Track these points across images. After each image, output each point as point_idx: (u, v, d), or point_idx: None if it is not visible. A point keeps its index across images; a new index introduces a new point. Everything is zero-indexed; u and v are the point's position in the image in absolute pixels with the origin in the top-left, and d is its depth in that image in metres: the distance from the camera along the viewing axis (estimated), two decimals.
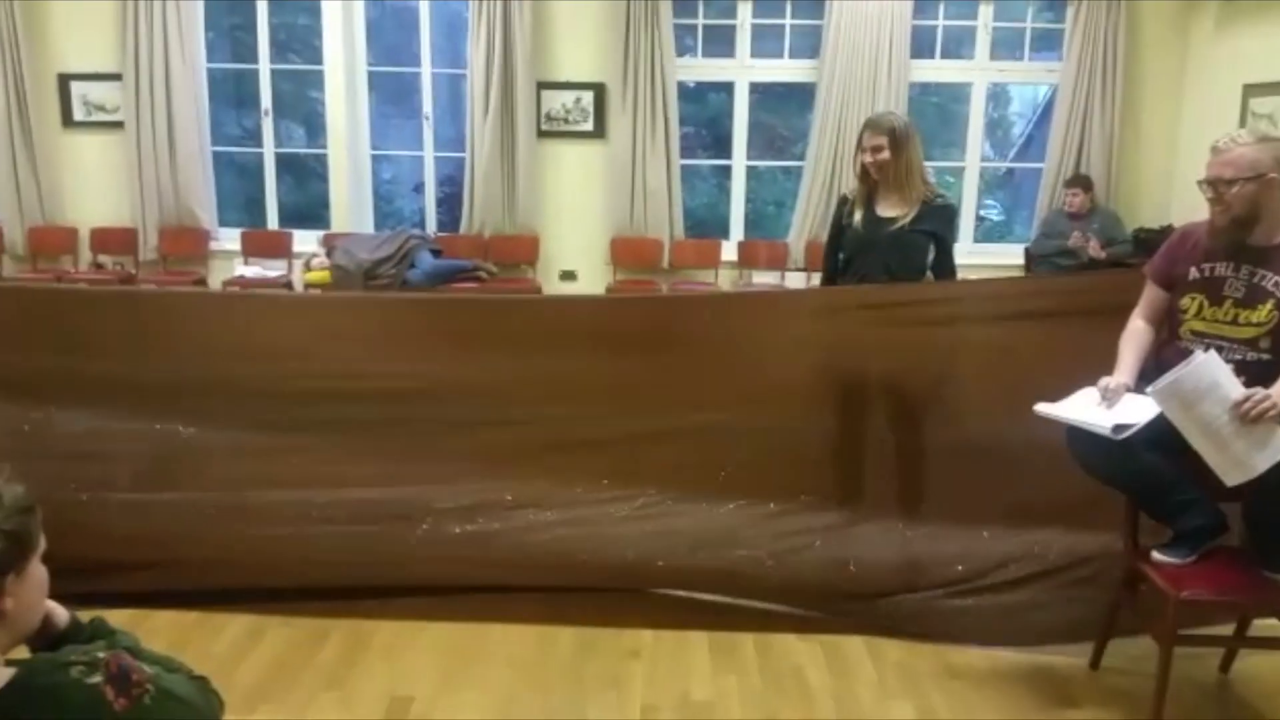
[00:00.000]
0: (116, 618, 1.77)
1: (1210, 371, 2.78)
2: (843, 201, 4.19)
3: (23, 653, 1.53)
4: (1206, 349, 2.90)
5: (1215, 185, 2.95)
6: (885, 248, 3.98)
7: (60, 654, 1.48)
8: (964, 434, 3.69)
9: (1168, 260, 3.17)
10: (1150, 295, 3.22)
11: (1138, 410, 2.91)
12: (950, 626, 3.50)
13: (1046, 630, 3.45)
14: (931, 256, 4.03)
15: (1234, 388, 2.76)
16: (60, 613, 1.62)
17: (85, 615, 1.67)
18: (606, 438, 3.74)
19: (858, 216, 4.04)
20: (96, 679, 1.43)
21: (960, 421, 3.73)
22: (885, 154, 3.91)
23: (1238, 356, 2.94)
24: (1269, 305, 2.93)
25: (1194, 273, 3.07)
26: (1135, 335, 3.18)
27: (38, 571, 1.52)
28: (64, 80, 8.30)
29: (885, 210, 4.00)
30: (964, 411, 3.75)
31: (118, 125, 8.28)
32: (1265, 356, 2.94)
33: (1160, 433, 2.88)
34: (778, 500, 3.71)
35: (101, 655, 1.47)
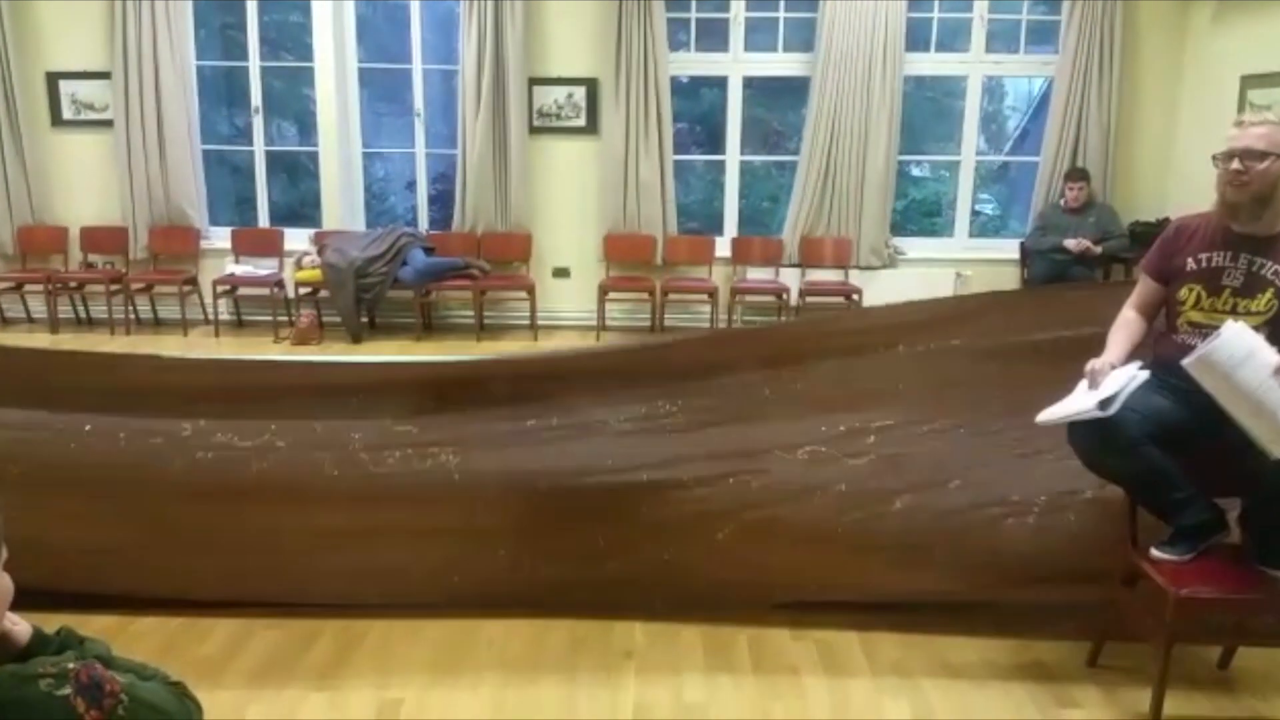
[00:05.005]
0: (98, 624, 1.72)
1: (1244, 340, 2.71)
2: None
3: None
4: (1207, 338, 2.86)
5: (1244, 157, 2.86)
6: None
7: (27, 666, 1.43)
8: None
9: (1162, 255, 3.14)
10: (1144, 288, 3.18)
11: (1116, 381, 2.89)
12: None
13: None
14: None
15: (1271, 354, 2.68)
16: (21, 627, 1.54)
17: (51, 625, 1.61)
18: None
19: None
20: (66, 691, 1.39)
21: None
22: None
23: None
24: (1269, 294, 2.91)
25: (1191, 264, 3.04)
26: (1126, 324, 3.15)
27: (1, 582, 1.47)
28: (52, 79, 8.28)
29: None
30: None
31: (107, 124, 8.26)
32: None
33: (1161, 428, 2.86)
34: None
35: (71, 666, 1.43)
